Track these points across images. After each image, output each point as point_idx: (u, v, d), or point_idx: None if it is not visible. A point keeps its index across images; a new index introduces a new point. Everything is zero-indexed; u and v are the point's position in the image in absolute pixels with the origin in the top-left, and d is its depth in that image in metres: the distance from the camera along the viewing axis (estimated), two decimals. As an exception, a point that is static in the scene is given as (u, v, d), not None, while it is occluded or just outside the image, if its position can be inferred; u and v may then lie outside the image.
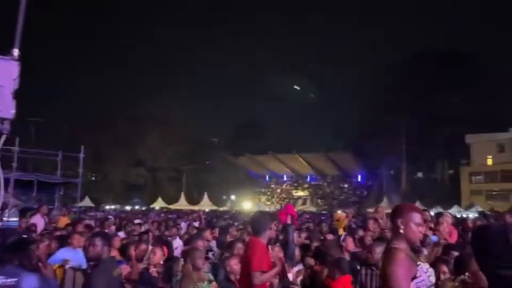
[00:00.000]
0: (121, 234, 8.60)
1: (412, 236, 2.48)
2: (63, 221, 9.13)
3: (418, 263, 2.45)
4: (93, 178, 57.98)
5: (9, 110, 1.71)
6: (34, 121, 39.51)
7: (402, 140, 55.07)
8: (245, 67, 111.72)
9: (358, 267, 4.52)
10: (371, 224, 7.31)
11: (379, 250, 4.28)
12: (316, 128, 71.43)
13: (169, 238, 8.00)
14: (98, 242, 4.02)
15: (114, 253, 6.25)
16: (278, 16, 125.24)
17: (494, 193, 46.73)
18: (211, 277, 4.41)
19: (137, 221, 13.69)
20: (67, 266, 5.34)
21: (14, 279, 2.85)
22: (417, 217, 2.53)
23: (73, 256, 5.67)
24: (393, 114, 53.30)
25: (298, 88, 79.12)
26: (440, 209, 37.51)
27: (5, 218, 9.75)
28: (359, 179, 61.78)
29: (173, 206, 45.60)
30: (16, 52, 1.78)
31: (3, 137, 1.72)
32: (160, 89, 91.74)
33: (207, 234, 7.45)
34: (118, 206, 46.54)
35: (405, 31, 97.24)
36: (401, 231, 2.49)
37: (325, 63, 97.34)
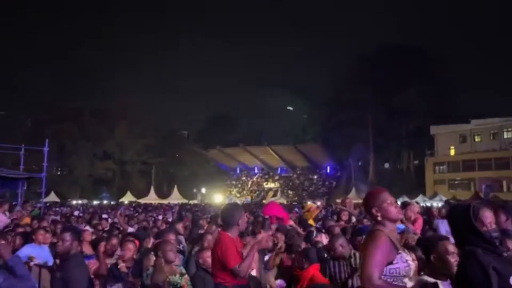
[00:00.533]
0: (88, 229, 8.39)
1: (391, 216, 2.51)
2: (26, 220, 8.80)
3: (400, 251, 2.48)
4: (59, 173, 56.23)
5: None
6: (-5, 114, 37.84)
7: (369, 132, 56.38)
8: (216, 58, 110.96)
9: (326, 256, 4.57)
10: (344, 215, 7.44)
11: (338, 243, 4.36)
12: (285, 121, 71.83)
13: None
14: (68, 237, 3.91)
15: (86, 247, 6.11)
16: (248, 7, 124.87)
17: (456, 182, 48.60)
18: (183, 270, 4.36)
19: (104, 216, 13.41)
20: (32, 263, 5.16)
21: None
22: (387, 197, 2.56)
23: (38, 252, 5.49)
24: (358, 107, 54.56)
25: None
26: (406, 198, 38.78)
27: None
28: (328, 171, 62.75)
29: (142, 200, 44.93)
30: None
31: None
32: (126, 80, 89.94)
33: (179, 227, 7.38)
34: (85, 201, 45.36)
35: (366, 27, 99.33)
36: (379, 218, 2.51)
37: (293, 58, 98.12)
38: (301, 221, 8.04)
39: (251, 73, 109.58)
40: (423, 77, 53.80)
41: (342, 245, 4.36)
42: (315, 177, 62.33)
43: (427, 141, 53.11)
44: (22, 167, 14.34)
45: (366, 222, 6.86)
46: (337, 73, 70.48)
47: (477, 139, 49.65)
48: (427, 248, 2.81)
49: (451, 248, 2.68)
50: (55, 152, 43.13)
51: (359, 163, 58.84)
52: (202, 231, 7.32)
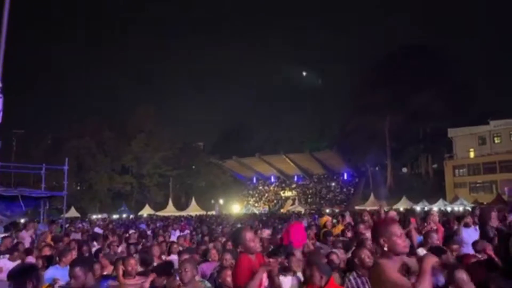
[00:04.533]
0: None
1: (398, 249, 2.53)
2: (48, 239, 8.98)
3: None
4: (78, 188, 57.09)
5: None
6: (16, 133, 38.78)
7: (386, 136, 55.75)
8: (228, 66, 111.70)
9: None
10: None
11: (365, 254, 4.35)
12: (300, 128, 71.79)
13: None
14: (79, 272, 3.88)
15: (109, 269, 6.11)
16: (259, 17, 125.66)
17: (477, 185, 47.62)
18: (208, 284, 4.41)
19: (142, 225, 13.49)
20: (56, 286, 5.24)
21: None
22: (396, 230, 2.57)
23: (62, 274, 5.57)
24: (374, 111, 53.97)
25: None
26: (426, 203, 38.19)
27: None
28: (345, 177, 62.23)
29: (161, 213, 45.21)
30: (-1, 85, 1.75)
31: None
32: (140, 95, 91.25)
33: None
34: (105, 215, 45.87)
35: (379, 30, 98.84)
36: (386, 248, 2.54)
37: (307, 64, 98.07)
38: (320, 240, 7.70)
39: (266, 81, 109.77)
40: (440, 79, 53.01)
41: (369, 256, 4.34)
42: (333, 184, 61.88)
43: (446, 144, 52.27)
44: (43, 185, 14.62)
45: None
46: (353, 77, 70.20)
47: (496, 140, 48.67)
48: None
49: (465, 277, 2.69)
50: (74, 167, 43.93)
51: (377, 169, 58.21)
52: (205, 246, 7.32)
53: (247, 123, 79.75)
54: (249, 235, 3.68)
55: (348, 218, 9.16)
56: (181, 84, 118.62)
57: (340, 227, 8.30)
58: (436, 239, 5.68)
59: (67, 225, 19.37)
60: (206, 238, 9.08)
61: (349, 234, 7.14)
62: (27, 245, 8.24)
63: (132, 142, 56.04)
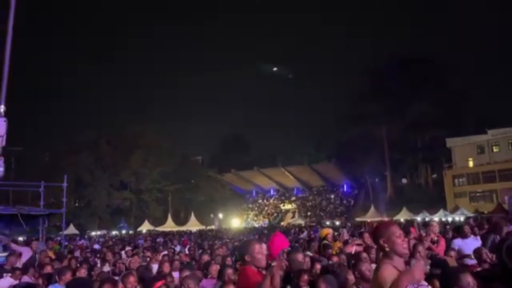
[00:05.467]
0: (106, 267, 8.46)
1: (399, 249, 2.53)
2: (50, 254, 8.95)
3: (421, 283, 2.50)
4: (76, 204, 56.72)
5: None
6: (13, 150, 38.61)
7: (384, 147, 55.82)
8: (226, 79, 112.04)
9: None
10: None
11: (365, 268, 4.33)
12: (297, 140, 71.92)
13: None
14: None
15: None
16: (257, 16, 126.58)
17: (477, 194, 47.53)
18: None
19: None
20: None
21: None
22: (396, 231, 2.59)
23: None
24: (371, 121, 54.18)
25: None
26: (426, 214, 38.06)
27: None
28: (344, 189, 62.12)
29: (160, 228, 44.94)
30: (2, 108, 1.76)
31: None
32: (136, 109, 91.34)
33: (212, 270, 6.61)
34: (104, 232, 45.54)
35: (374, 41, 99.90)
36: (387, 249, 2.55)
37: (304, 74, 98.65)
38: (325, 247, 7.57)
39: (261, 92, 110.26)
40: (436, 88, 53.38)
41: (369, 270, 4.31)
42: (332, 196, 61.73)
43: (444, 154, 52.32)
44: (42, 203, 14.53)
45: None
46: (350, 88, 70.29)
47: (495, 149, 48.74)
48: (448, 281, 2.81)
49: (471, 281, 2.68)
50: (72, 184, 43.65)
51: (376, 180, 58.15)
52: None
53: (244, 135, 79.91)
54: (257, 247, 3.64)
55: (345, 235, 9.11)
56: (179, 97, 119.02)
57: (337, 244, 8.23)
58: (423, 250, 5.59)
59: (66, 243, 19.23)
60: (207, 253, 8.99)
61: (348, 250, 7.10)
62: (23, 260, 8.22)
63: (131, 158, 55.87)
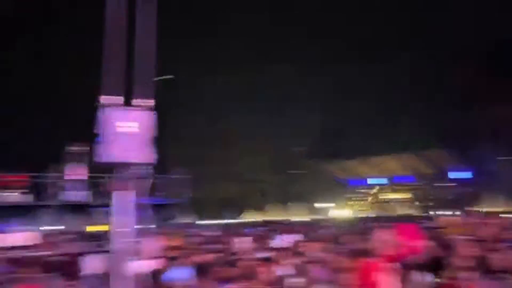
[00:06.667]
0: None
1: None
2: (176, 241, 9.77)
3: None
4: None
5: (152, 156, 1.89)
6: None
7: (498, 130, 50.26)
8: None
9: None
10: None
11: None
12: (403, 127, 67.94)
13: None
14: None
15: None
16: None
17: None
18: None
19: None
20: None
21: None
22: None
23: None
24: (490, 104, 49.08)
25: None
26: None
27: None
28: (458, 176, 57.45)
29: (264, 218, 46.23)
30: (151, 102, 1.96)
31: (149, 182, 1.91)
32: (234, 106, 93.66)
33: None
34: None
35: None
36: None
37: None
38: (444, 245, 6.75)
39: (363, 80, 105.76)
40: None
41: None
42: (445, 184, 57.56)
43: None
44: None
45: None
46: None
47: None
48: None
49: None
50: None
51: (491, 166, 52.60)
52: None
53: (344, 124, 77.83)
54: (379, 235, 3.60)
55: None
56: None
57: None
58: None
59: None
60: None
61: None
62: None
63: (234, 150, 57.51)
